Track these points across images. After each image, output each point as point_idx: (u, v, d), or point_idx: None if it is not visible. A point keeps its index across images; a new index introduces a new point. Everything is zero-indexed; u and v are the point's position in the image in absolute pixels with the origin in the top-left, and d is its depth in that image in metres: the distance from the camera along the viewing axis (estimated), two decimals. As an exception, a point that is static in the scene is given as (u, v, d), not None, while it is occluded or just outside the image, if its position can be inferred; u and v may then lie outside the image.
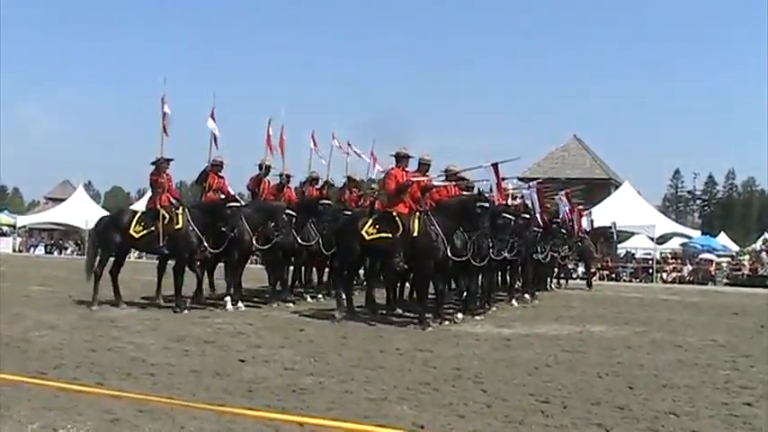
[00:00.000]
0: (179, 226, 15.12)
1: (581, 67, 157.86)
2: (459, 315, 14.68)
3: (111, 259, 16.14)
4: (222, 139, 17.03)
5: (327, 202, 17.43)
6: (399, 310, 15.61)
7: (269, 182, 18.18)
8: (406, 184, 14.28)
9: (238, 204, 15.53)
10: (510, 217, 15.51)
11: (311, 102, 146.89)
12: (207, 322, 13.33)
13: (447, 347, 11.11)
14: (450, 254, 13.64)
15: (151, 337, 11.31)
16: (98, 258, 15.88)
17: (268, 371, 8.83)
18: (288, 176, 18.74)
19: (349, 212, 17.40)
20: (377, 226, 14.13)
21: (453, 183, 15.68)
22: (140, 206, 48.67)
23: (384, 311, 15.40)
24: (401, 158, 14.65)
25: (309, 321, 13.98)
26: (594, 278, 36.39)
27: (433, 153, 15.02)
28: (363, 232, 14.13)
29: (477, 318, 15.09)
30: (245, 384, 7.99)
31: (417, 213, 13.95)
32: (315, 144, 20.58)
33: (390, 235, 13.84)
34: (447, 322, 14.16)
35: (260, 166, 17.84)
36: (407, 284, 17.33)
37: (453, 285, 16.18)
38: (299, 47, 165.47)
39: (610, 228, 29.95)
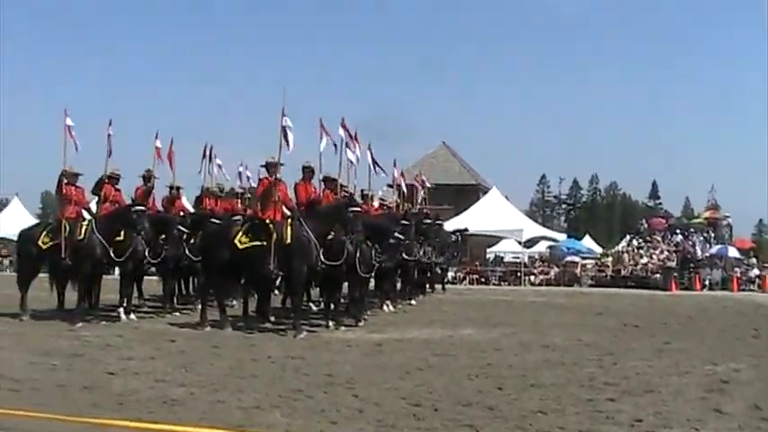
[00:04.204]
0: (81, 237, 14.96)
1: (448, 74, 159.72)
2: (330, 323, 14.70)
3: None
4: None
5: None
6: (272, 318, 15.54)
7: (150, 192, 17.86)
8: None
9: (143, 208, 15.30)
10: (401, 237, 15.97)
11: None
12: (75, 335, 12.99)
13: (319, 354, 11.14)
14: (322, 259, 13.76)
15: (16, 352, 10.93)
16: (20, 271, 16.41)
17: (138, 383, 8.66)
18: (178, 188, 18.58)
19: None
20: (249, 234, 14.06)
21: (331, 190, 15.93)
22: (3, 217, 47.06)
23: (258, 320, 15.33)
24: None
25: (181, 332, 13.77)
26: (465, 282, 37.16)
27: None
28: (236, 241, 14.04)
29: (360, 324, 15.19)
30: (114, 397, 7.81)
31: (290, 220, 13.98)
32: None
33: (264, 242, 13.80)
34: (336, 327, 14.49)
35: (144, 178, 17.51)
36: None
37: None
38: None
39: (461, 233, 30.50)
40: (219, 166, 21.04)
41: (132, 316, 15.79)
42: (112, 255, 15.07)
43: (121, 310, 15.72)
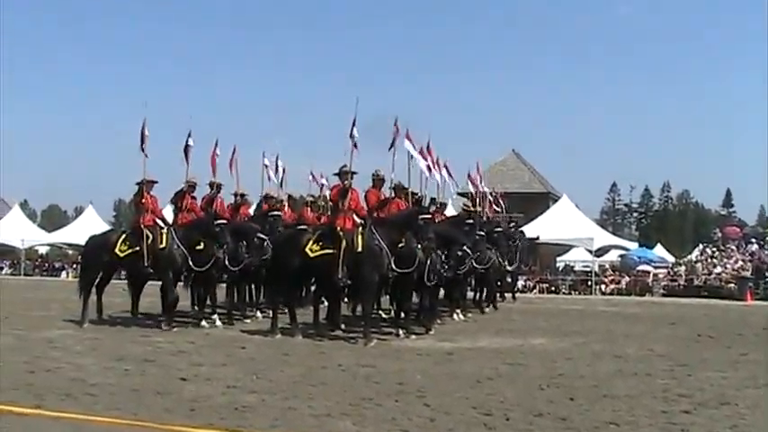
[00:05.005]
0: (162, 245, 15.25)
1: (519, 82, 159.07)
2: (401, 332, 14.69)
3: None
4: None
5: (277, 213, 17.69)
6: (343, 326, 15.56)
7: (222, 200, 18.13)
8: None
9: (225, 221, 15.65)
10: (468, 251, 15.98)
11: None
12: (147, 341, 13.19)
13: (389, 362, 11.13)
14: (393, 267, 13.76)
15: (90, 358, 11.15)
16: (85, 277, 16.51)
17: (210, 389, 8.76)
18: (242, 195, 18.71)
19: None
20: (320, 242, 14.11)
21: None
22: (78, 225, 47.69)
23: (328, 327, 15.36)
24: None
25: (251, 339, 13.90)
26: (534, 291, 36.87)
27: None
28: (307, 249, 14.09)
29: (430, 333, 15.15)
30: (186, 403, 7.91)
31: (361, 228, 14.01)
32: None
33: (334, 250, 13.84)
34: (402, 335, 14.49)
35: (210, 186, 17.74)
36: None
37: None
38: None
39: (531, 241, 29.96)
40: (268, 177, 21.24)
41: (215, 318, 16.20)
42: (191, 263, 15.27)
43: (215, 316, 16.32)
